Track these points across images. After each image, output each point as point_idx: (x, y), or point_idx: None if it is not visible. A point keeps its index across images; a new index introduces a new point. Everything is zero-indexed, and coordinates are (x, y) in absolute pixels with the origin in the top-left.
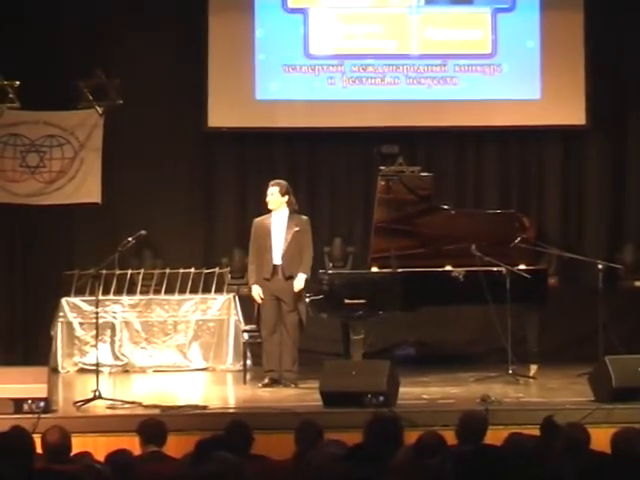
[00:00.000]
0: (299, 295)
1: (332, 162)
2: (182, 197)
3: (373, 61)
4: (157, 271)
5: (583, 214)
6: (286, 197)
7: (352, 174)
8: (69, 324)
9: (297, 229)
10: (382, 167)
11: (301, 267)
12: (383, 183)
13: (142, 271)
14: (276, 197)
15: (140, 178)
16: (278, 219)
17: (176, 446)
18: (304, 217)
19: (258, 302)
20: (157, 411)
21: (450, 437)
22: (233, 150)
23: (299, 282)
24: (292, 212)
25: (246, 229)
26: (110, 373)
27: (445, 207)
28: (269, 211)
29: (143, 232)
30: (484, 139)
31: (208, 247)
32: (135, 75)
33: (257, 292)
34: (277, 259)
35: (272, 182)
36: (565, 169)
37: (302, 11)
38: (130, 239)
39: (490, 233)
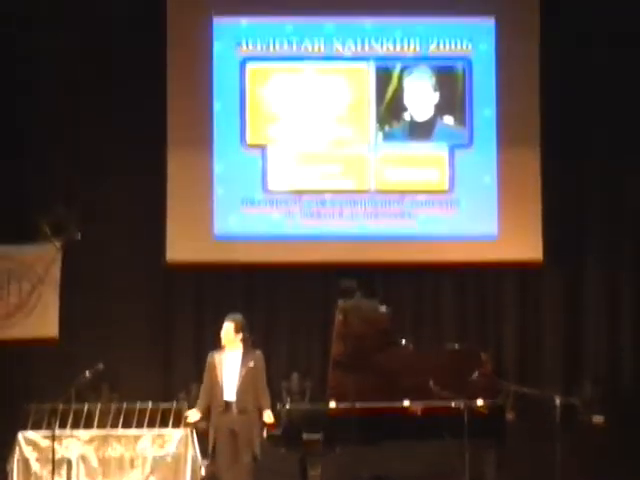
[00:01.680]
0: (254, 430)
1: (290, 296)
2: (140, 330)
3: (331, 197)
4: (114, 405)
5: (540, 349)
6: (240, 334)
7: (310, 308)
8: (25, 459)
9: (251, 365)
10: (340, 301)
11: (263, 403)
12: (341, 317)
13: (99, 405)
14: (230, 334)
15: (98, 311)
16: (232, 355)
17: None
18: (258, 352)
19: (190, 423)
20: None
21: None
22: (192, 284)
23: (269, 416)
24: (247, 347)
25: (204, 363)
26: None
27: (403, 342)
28: (223, 346)
29: (100, 366)
30: (441, 274)
31: (166, 381)
32: (94, 208)
33: (192, 416)
34: (230, 395)
35: (228, 317)
36: (522, 304)
37: (261, 148)
38: (87, 373)
39: (448, 368)
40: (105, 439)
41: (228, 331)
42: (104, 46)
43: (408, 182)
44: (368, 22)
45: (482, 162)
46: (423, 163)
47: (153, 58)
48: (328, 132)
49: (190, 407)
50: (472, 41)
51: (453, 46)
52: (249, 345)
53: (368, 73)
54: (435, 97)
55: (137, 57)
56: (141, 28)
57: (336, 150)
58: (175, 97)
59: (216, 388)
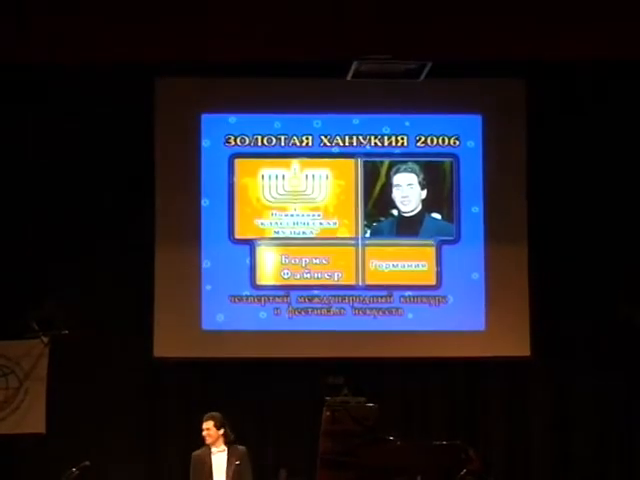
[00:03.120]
0: None
1: (278, 392)
2: (126, 426)
3: (319, 292)
4: None
5: (528, 444)
6: (222, 430)
7: (298, 404)
8: None
9: (238, 463)
10: (327, 397)
11: None
12: (328, 414)
13: None
14: (212, 432)
15: (84, 406)
16: (217, 454)
17: None
18: (241, 447)
19: None
20: None
21: None
22: (179, 379)
23: None
24: (229, 444)
25: (189, 458)
26: None
27: (391, 438)
28: (207, 445)
29: (87, 463)
30: (430, 369)
31: (152, 476)
32: (81, 304)
33: None
34: None
35: (206, 416)
36: (510, 399)
37: (248, 242)
38: (74, 469)
39: (436, 464)
40: None
41: (210, 428)
42: (91, 142)
43: (396, 273)
44: (356, 118)
45: (470, 258)
46: (411, 258)
47: (141, 154)
48: (315, 226)
49: None
50: (459, 138)
51: (441, 142)
52: (231, 441)
53: (356, 168)
54: (423, 193)
55: (125, 154)
56: (129, 125)
57: (323, 244)
58: (163, 193)
59: None
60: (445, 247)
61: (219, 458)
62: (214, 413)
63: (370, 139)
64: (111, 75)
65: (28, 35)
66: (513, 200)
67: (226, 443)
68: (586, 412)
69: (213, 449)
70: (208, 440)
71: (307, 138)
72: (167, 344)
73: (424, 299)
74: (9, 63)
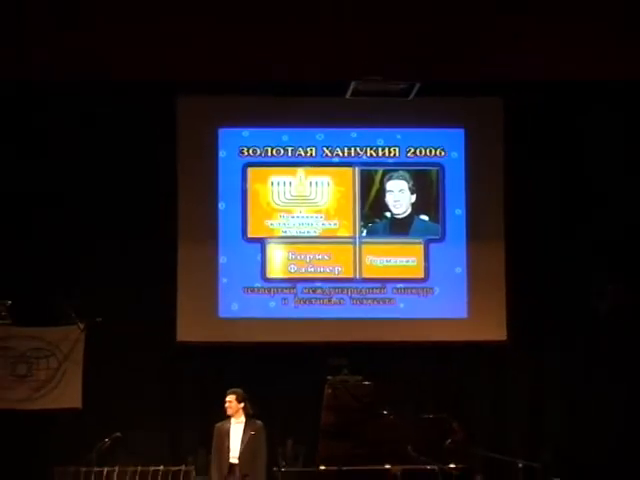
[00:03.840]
0: None
1: (286, 372)
2: (152, 402)
3: (321, 284)
4: (130, 469)
5: (506, 418)
6: (242, 404)
7: (303, 382)
8: None
9: (253, 433)
10: (329, 377)
11: (257, 470)
12: (330, 391)
13: (117, 469)
14: (234, 404)
15: (115, 385)
16: (236, 424)
17: None
18: (259, 422)
19: None
20: None
21: None
22: (198, 361)
23: None
24: (248, 417)
25: (210, 431)
26: None
27: (384, 412)
28: (228, 417)
29: (118, 434)
30: (419, 352)
31: (176, 447)
32: (115, 295)
33: None
34: (234, 459)
35: (229, 391)
36: (490, 379)
37: (259, 241)
38: (106, 440)
39: (424, 436)
40: None
41: (232, 401)
42: (122, 156)
43: (389, 268)
44: (354, 131)
45: (453, 254)
46: (402, 254)
47: (166, 165)
48: (318, 227)
49: (197, 470)
50: (445, 149)
51: (428, 152)
52: (251, 415)
53: (354, 176)
54: (412, 197)
55: (150, 166)
56: (155, 139)
57: (325, 242)
58: (185, 198)
59: (224, 454)
60: (432, 245)
61: (237, 428)
62: (236, 389)
63: (366, 150)
64: (134, 92)
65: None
66: (491, 203)
67: (246, 416)
68: (556, 389)
69: (233, 420)
70: (229, 411)
71: (311, 149)
72: (188, 330)
73: (413, 290)
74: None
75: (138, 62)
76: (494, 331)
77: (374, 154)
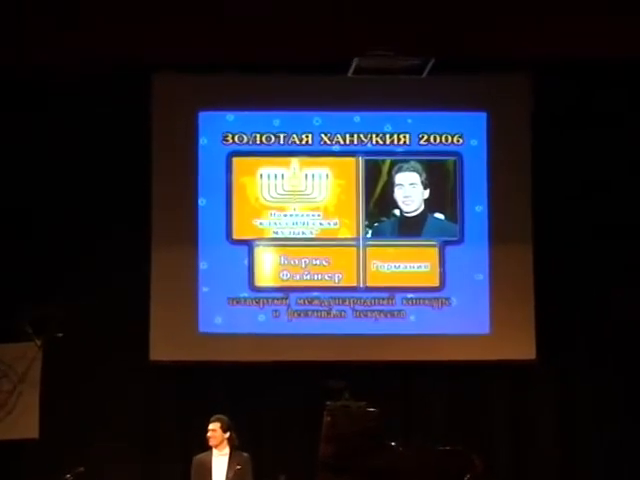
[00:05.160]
0: None
1: (277, 396)
2: (123, 431)
3: (319, 294)
4: None
5: (532, 450)
6: (227, 433)
7: (297, 408)
8: None
9: (239, 467)
10: (328, 402)
11: None
12: (329, 418)
13: None
14: (218, 434)
15: (79, 410)
16: (219, 456)
17: None
18: (245, 454)
19: None
20: None
21: None
22: (175, 384)
23: None
24: (234, 449)
25: (188, 463)
26: None
27: (392, 444)
28: (210, 448)
29: (81, 469)
30: (432, 373)
31: None
32: (77, 306)
33: None
34: None
35: (213, 418)
36: (514, 404)
37: (246, 243)
38: (68, 476)
39: (438, 470)
40: None
41: (216, 430)
42: (87, 140)
43: (398, 274)
44: (357, 115)
45: (474, 259)
46: (413, 259)
47: (137, 152)
48: (315, 226)
49: None
50: (463, 136)
51: (444, 140)
52: (236, 446)
53: (357, 167)
54: (425, 192)
55: (121, 152)
56: (125, 123)
57: (324, 245)
58: (159, 193)
59: None
60: (448, 247)
61: (220, 461)
62: (221, 416)
63: (371, 137)
64: (108, 73)
65: (22, 33)
66: (518, 199)
67: (231, 447)
68: (591, 416)
69: (215, 452)
70: (212, 442)
71: (307, 136)
72: (163, 347)
73: (427, 301)
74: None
75: (108, 38)
76: (521, 349)
77: (380, 142)
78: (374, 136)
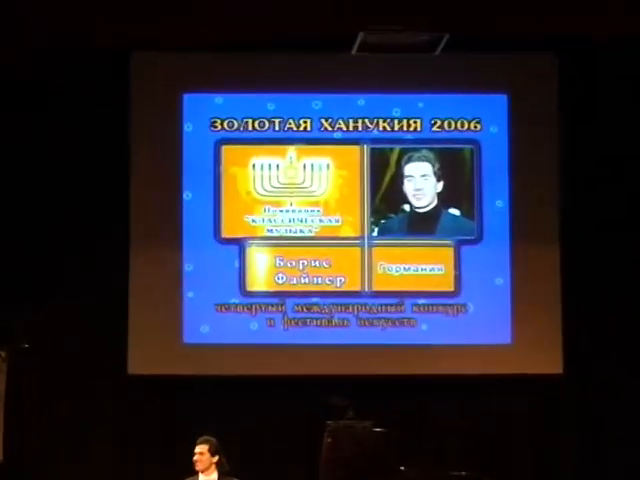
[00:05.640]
0: None
1: (272, 414)
2: (100, 451)
3: (318, 300)
4: None
5: (557, 475)
6: (216, 457)
7: (295, 428)
8: None
9: None
10: (329, 421)
11: None
12: (330, 440)
13: None
14: (205, 457)
15: (49, 430)
16: None
17: None
18: None
19: None
20: None
21: None
22: (157, 400)
23: None
24: (222, 474)
25: None
26: None
27: (401, 468)
28: (197, 472)
29: None
30: (446, 388)
31: None
32: (46, 314)
33: None
34: None
35: (200, 439)
36: (537, 424)
37: (237, 242)
38: None
39: None
40: None
41: (204, 453)
42: (61, 127)
43: (408, 278)
44: (362, 98)
45: (493, 260)
46: (425, 261)
47: (115, 140)
48: (315, 224)
49: None
50: (481, 121)
51: (460, 126)
52: (225, 471)
53: (361, 156)
54: (439, 185)
55: (96, 141)
56: (102, 107)
57: (324, 244)
58: (139, 186)
59: None
60: (465, 247)
61: None
62: (209, 437)
63: (378, 123)
64: (86, 54)
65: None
66: (543, 193)
67: (219, 472)
68: (625, 438)
69: (202, 477)
70: (198, 466)
71: (305, 122)
72: (143, 360)
73: (440, 308)
74: None
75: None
76: (546, 361)
77: (388, 128)
78: (381, 121)
